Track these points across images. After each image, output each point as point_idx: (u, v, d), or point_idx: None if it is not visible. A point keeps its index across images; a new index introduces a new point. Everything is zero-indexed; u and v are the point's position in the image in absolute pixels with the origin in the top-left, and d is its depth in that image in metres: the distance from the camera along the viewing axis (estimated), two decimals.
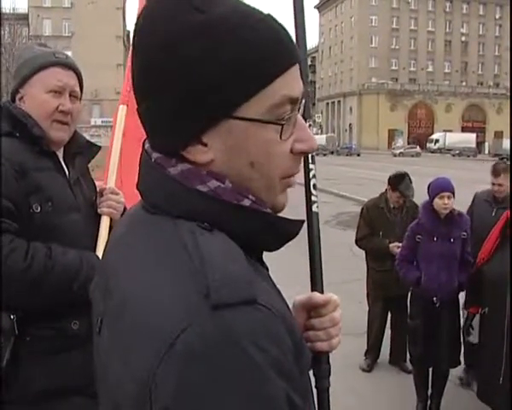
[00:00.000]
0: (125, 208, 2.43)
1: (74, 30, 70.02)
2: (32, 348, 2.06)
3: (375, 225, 5.68)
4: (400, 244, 5.29)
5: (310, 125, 1.08)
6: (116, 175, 2.61)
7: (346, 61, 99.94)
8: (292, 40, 0.87)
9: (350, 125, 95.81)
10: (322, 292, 1.21)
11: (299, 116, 0.89)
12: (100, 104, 67.06)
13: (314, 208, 1.30)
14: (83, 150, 2.39)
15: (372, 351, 5.76)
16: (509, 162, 6.05)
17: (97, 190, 2.47)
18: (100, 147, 2.53)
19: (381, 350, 5.87)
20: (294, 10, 1.38)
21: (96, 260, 2.15)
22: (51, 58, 2.23)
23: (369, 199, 6.12)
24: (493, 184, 5.45)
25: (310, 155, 1.28)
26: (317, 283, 1.27)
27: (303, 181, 1.32)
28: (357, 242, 5.78)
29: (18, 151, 2.10)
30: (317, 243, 1.30)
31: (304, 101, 0.91)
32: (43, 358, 2.08)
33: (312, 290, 1.23)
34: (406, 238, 4.81)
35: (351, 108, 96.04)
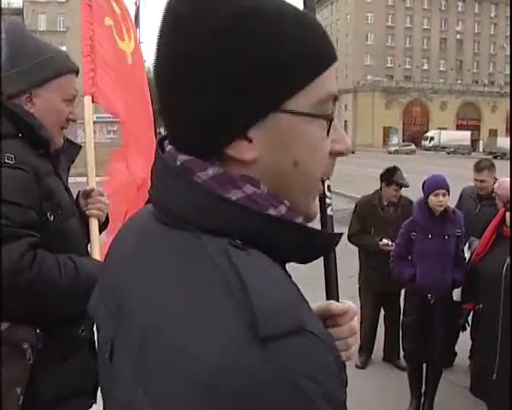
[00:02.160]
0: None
1: (69, 25, 69.74)
2: (44, 357, 2.01)
3: (367, 222, 5.69)
4: (389, 242, 5.33)
5: None
6: (93, 172, 2.59)
7: (342, 59, 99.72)
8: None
9: (345, 122, 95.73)
10: (337, 300, 1.15)
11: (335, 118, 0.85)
12: None
13: (329, 211, 1.22)
14: (65, 150, 2.31)
15: (365, 347, 5.76)
16: (494, 160, 6.10)
17: (80, 190, 2.43)
18: (80, 146, 2.45)
19: (376, 347, 5.89)
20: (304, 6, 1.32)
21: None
22: (70, 64, 2.20)
23: (363, 196, 6.13)
24: (476, 179, 5.50)
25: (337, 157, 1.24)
26: (332, 291, 1.20)
27: None
28: (349, 238, 5.79)
29: (29, 154, 2.00)
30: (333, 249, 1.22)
31: None
32: (53, 365, 2.05)
33: (328, 298, 1.17)
34: (401, 235, 4.81)
35: (346, 106, 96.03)
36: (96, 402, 2.34)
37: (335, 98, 0.83)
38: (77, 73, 2.24)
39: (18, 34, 2.16)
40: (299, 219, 0.83)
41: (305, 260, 0.84)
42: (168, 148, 0.83)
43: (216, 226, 0.75)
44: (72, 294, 1.96)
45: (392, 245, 5.26)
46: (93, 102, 2.83)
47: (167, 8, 0.80)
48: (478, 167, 5.54)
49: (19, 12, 61.78)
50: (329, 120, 0.81)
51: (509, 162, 6.42)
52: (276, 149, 0.78)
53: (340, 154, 0.86)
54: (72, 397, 2.12)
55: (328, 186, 1.22)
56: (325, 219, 1.22)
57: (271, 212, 0.79)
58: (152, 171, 0.85)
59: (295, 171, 0.80)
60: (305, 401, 0.63)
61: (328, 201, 1.22)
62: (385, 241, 5.43)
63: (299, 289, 0.77)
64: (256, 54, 0.74)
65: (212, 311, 0.67)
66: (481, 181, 5.48)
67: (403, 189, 5.60)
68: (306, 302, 0.77)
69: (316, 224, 1.12)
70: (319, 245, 0.85)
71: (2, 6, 43.42)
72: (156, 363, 0.69)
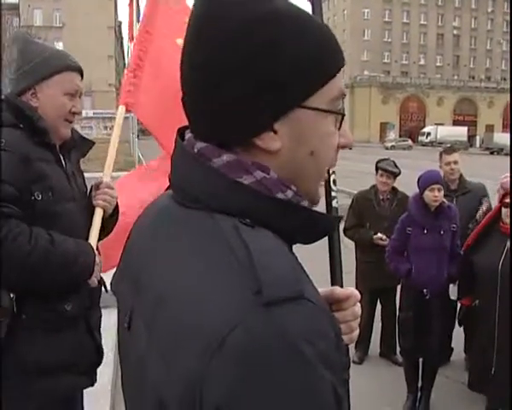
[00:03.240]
0: (117, 204, 2.61)
1: (65, 20, 69.56)
2: (28, 327, 2.19)
3: (362, 216, 5.71)
4: (383, 236, 5.33)
5: None
6: (112, 168, 2.80)
7: None
8: None
9: None
10: (342, 286, 1.21)
11: None
12: (91, 96, 66.58)
13: (334, 204, 1.30)
14: (77, 145, 2.55)
15: (361, 343, 5.76)
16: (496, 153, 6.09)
17: (93, 183, 2.62)
18: (93, 142, 2.69)
19: (372, 342, 5.90)
20: (313, 12, 1.37)
21: (90, 249, 2.34)
22: (69, 62, 2.43)
23: (359, 191, 6.14)
24: (446, 164, 5.35)
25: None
26: (337, 277, 1.27)
27: None
28: (344, 232, 5.80)
29: (22, 141, 2.22)
30: (337, 238, 1.30)
31: None
32: (37, 336, 2.21)
33: (332, 285, 1.23)
34: (396, 230, 4.82)
35: (343, 101, 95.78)
36: (92, 385, 2.40)
37: (344, 96, 0.93)
38: (80, 71, 2.48)
39: (23, 41, 2.46)
40: (305, 203, 0.91)
41: (307, 240, 0.93)
42: (188, 136, 0.92)
43: (227, 207, 0.83)
44: (42, 263, 2.12)
45: (386, 240, 5.29)
46: (127, 111, 3.11)
47: (197, 9, 0.87)
48: (446, 150, 5.45)
49: (15, 7, 61.57)
50: (341, 115, 0.92)
51: (505, 158, 6.42)
52: (297, 141, 0.87)
53: (344, 146, 0.96)
54: (61, 372, 2.27)
55: (334, 180, 1.33)
56: (331, 211, 1.31)
57: (279, 196, 0.87)
58: (171, 158, 0.94)
59: (311, 160, 0.89)
60: (304, 362, 0.69)
61: (333, 194, 1.32)
62: (379, 235, 5.45)
63: (301, 265, 0.86)
64: (285, 55, 0.83)
65: (221, 278, 0.75)
66: (455, 162, 5.33)
67: (400, 186, 5.61)
68: (308, 277, 0.85)
69: None
70: (321, 227, 0.93)
71: None
72: (168, 324, 0.78)
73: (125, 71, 3.17)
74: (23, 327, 2.17)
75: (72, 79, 2.42)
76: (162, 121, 3.15)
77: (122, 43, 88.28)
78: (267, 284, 0.72)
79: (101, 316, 2.53)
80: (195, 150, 0.88)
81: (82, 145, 2.59)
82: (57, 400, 2.33)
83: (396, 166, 5.65)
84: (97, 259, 2.36)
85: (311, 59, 0.85)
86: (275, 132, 0.85)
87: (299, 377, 0.69)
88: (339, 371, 0.76)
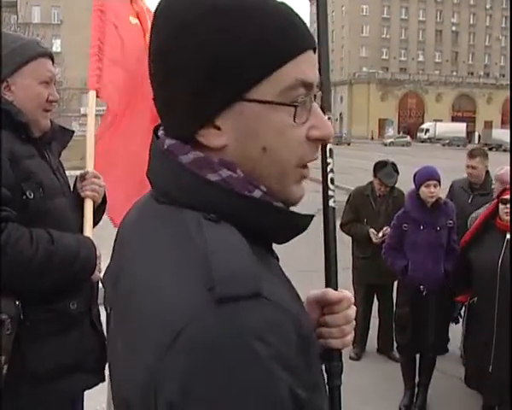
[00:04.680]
0: (104, 194, 2.53)
1: (63, 18, 69.38)
2: (33, 333, 2.12)
3: (359, 212, 5.71)
4: (379, 234, 5.35)
5: (329, 119, 1.02)
6: (93, 158, 2.69)
7: (337, 51, 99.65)
8: (306, 27, 0.88)
9: (340, 114, 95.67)
10: (336, 289, 1.18)
11: (316, 104, 0.88)
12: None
13: (331, 203, 1.26)
14: (57, 136, 2.42)
15: (358, 339, 5.76)
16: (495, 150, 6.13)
17: (77, 174, 2.53)
18: (73, 131, 2.58)
19: (369, 339, 5.90)
20: (317, 8, 1.33)
21: (90, 243, 2.27)
22: (39, 49, 2.28)
23: (357, 187, 6.14)
24: (468, 166, 5.49)
25: (328, 149, 1.24)
26: (331, 279, 1.22)
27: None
28: (341, 226, 5.80)
29: (6, 139, 2.10)
30: (333, 239, 1.25)
31: (322, 93, 0.92)
32: (44, 340, 2.14)
33: (327, 287, 1.20)
34: (393, 227, 4.82)
35: (341, 98, 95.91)
36: (104, 380, 2.36)
37: (308, 85, 0.85)
38: (51, 57, 2.34)
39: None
40: (278, 204, 0.87)
41: (277, 239, 0.91)
42: (160, 132, 0.92)
43: (194, 202, 0.83)
44: (46, 265, 2.06)
45: (379, 237, 5.33)
46: (97, 96, 2.99)
47: (155, 9, 0.88)
48: (471, 153, 5.53)
49: (13, 4, 61.41)
50: (294, 106, 0.84)
51: (504, 154, 6.43)
52: (244, 137, 0.83)
53: (320, 140, 0.89)
54: (69, 373, 2.20)
55: (332, 179, 1.26)
56: (327, 210, 1.25)
57: (247, 195, 0.85)
58: (149, 153, 0.94)
59: (265, 156, 0.84)
60: (255, 359, 0.69)
61: (330, 193, 1.25)
62: (373, 230, 5.46)
63: (279, 268, 0.88)
64: (215, 49, 0.80)
65: (180, 273, 0.75)
66: (473, 167, 5.47)
67: (398, 183, 5.62)
68: (283, 279, 0.87)
69: (319, 216, 1.13)
70: (290, 226, 0.90)
71: None
72: (131, 320, 0.78)
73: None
74: (29, 334, 2.11)
75: (45, 65, 2.28)
76: (127, 105, 3.14)
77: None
78: (220, 280, 0.71)
79: (99, 311, 2.44)
80: (165, 147, 0.88)
81: (62, 136, 2.47)
82: (66, 400, 2.30)
83: (395, 169, 5.61)
84: (98, 252, 2.30)
85: (245, 51, 0.81)
86: (218, 128, 0.83)
87: (249, 374, 0.68)
88: (301, 373, 0.74)
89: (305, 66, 0.85)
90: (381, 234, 5.37)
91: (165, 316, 0.72)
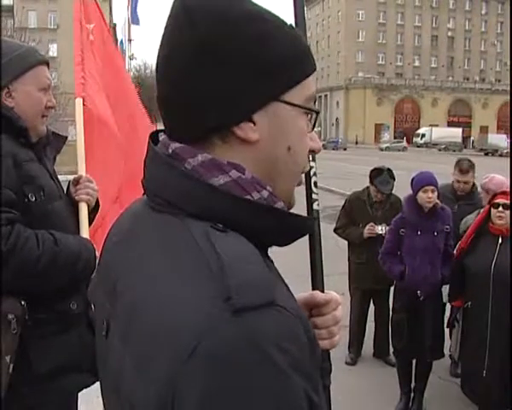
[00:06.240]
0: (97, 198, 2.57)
1: (60, 22, 69.34)
2: (34, 333, 2.15)
3: (355, 217, 5.70)
4: (377, 229, 5.36)
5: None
6: (84, 162, 2.73)
7: (333, 56, 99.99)
8: None
9: (337, 119, 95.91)
10: (323, 291, 1.21)
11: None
12: None
13: (315, 206, 1.30)
14: (51, 141, 2.48)
15: (354, 343, 5.78)
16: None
17: (71, 179, 2.58)
18: (66, 137, 2.64)
19: (366, 343, 5.90)
20: (295, 11, 1.34)
21: (90, 244, 2.32)
22: (39, 57, 2.36)
23: (353, 192, 6.13)
24: (458, 181, 5.48)
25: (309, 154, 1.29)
26: (317, 281, 1.26)
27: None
28: (335, 230, 5.82)
29: (9, 143, 2.17)
30: (318, 241, 1.29)
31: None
32: (45, 340, 2.18)
33: (313, 289, 1.23)
34: (390, 232, 4.83)
35: (337, 103, 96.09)
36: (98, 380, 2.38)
37: (315, 100, 0.95)
38: (47, 64, 2.41)
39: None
40: (280, 204, 0.91)
41: (283, 242, 0.91)
42: (162, 138, 0.92)
43: (199, 211, 0.83)
44: (51, 266, 2.11)
45: (378, 229, 5.34)
46: (83, 104, 3.00)
47: (174, 7, 0.89)
48: (462, 169, 5.49)
49: (9, 9, 61.35)
50: (316, 113, 0.94)
51: (499, 159, 6.45)
52: (275, 134, 0.88)
53: (313, 151, 0.98)
54: (68, 372, 2.24)
55: (315, 182, 1.32)
56: (311, 213, 1.29)
57: (255, 195, 0.87)
58: (144, 162, 0.93)
59: (288, 156, 0.91)
60: (275, 368, 0.69)
61: (314, 196, 1.30)
62: (369, 226, 5.45)
63: (276, 270, 0.89)
64: (265, 48, 0.86)
65: (192, 286, 0.74)
66: (465, 183, 5.48)
67: (394, 188, 5.62)
68: (284, 283, 0.87)
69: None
70: (297, 229, 0.92)
71: None
72: (141, 334, 0.77)
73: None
74: (31, 334, 2.14)
75: (44, 72, 2.36)
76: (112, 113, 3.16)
77: (117, 44, 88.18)
78: (236, 291, 0.71)
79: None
80: (170, 151, 0.88)
81: (56, 141, 2.53)
82: (65, 399, 2.33)
83: (392, 175, 5.60)
84: (97, 253, 2.32)
85: (292, 55, 0.88)
86: (254, 123, 0.87)
87: (270, 385, 0.69)
88: (314, 377, 0.76)
89: (314, 82, 0.94)
90: (379, 227, 5.38)
91: (179, 330, 0.71)
